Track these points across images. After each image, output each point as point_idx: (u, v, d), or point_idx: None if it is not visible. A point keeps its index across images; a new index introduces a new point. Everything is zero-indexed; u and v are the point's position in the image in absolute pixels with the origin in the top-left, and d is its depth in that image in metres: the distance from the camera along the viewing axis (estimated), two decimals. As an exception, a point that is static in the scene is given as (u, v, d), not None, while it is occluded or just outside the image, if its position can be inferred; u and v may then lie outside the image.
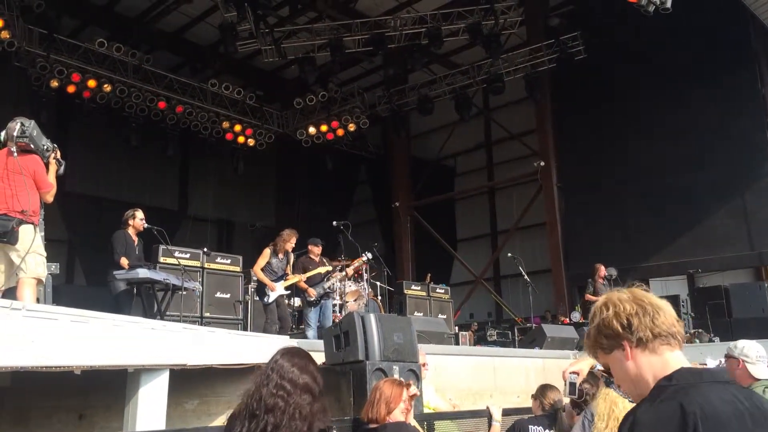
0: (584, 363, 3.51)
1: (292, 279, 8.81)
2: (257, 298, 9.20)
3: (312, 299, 9.04)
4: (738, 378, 4.02)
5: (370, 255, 10.00)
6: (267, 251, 8.72)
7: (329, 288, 9.39)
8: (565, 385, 3.49)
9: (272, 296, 8.52)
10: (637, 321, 1.67)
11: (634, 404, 1.91)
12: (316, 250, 9.42)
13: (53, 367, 2.66)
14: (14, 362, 2.47)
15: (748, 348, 4.01)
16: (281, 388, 2.17)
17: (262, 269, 8.62)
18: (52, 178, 5.41)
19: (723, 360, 4.78)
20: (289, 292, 8.98)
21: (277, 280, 8.65)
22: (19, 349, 2.46)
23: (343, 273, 9.91)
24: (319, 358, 5.65)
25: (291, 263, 8.93)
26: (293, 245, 8.86)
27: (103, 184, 17.01)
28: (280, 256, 8.73)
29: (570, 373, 3.50)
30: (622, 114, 15.32)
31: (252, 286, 9.94)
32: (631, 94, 15.08)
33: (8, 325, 2.48)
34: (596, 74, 15.36)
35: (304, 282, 9.09)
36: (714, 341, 11.35)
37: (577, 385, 3.48)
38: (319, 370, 2.30)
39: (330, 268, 9.44)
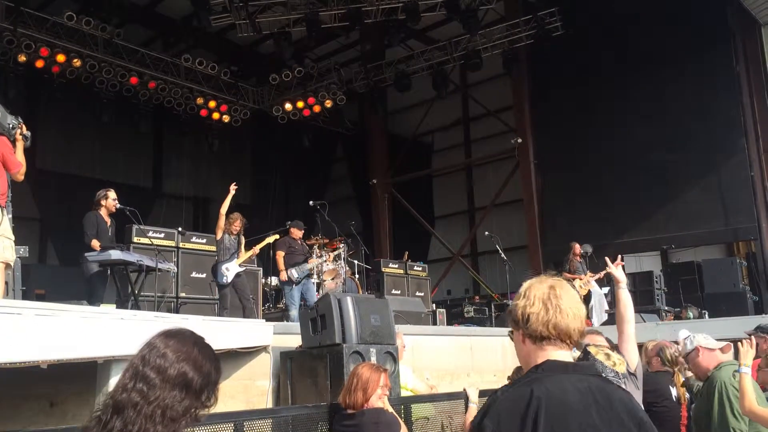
0: None
1: (245, 255, 8.90)
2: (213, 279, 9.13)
3: (295, 277, 9.21)
4: (704, 364, 4.08)
5: (345, 247, 10.29)
6: (220, 231, 8.95)
7: (310, 270, 9.50)
8: None
9: (229, 276, 8.54)
10: (534, 319, 1.88)
11: None
12: (297, 233, 9.64)
13: (18, 363, 2.58)
14: (-25, 360, 2.38)
15: (695, 336, 4.18)
16: (142, 378, 1.60)
17: (218, 242, 8.80)
18: (20, 156, 5.27)
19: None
20: (244, 268, 9.00)
21: (230, 259, 8.70)
22: (-20, 347, 2.38)
23: (323, 259, 10.00)
24: (295, 341, 5.62)
25: (243, 245, 9.03)
26: (238, 228, 8.96)
27: (75, 161, 16.66)
28: (232, 237, 8.83)
29: None
30: (598, 91, 15.32)
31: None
32: (607, 71, 15.07)
33: (-32, 322, 2.39)
34: (573, 51, 15.30)
35: (287, 258, 9.35)
36: (704, 316, 11.52)
37: None
38: (214, 359, 1.72)
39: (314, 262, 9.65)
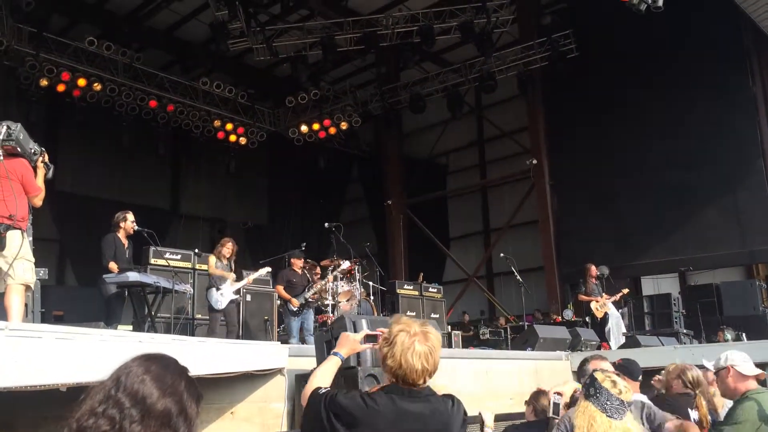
0: (569, 386, 3.61)
1: (238, 284, 8.80)
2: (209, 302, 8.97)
3: (294, 309, 9.24)
4: (732, 385, 4.00)
5: (346, 264, 10.19)
6: (212, 257, 8.75)
7: (310, 298, 9.50)
8: (549, 404, 3.59)
9: (224, 302, 8.48)
10: (389, 368, 2.30)
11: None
12: (298, 263, 9.65)
13: (38, 386, 2.62)
14: (-3, 384, 2.43)
15: (732, 354, 4.04)
16: (114, 404, 1.35)
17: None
18: (40, 182, 5.33)
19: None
20: (238, 296, 8.98)
21: (224, 285, 8.61)
22: (2, 370, 2.42)
23: (325, 281, 9.96)
24: (310, 363, 5.61)
25: (233, 269, 8.93)
26: (230, 251, 8.83)
27: (94, 183, 16.90)
28: (224, 261, 8.73)
29: (555, 393, 3.58)
30: (613, 111, 15.29)
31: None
32: (622, 93, 15.06)
33: (-9, 345, 2.44)
34: (588, 72, 15.34)
35: (285, 292, 9.40)
36: (741, 338, 11.32)
37: (561, 405, 3.57)
38: (197, 396, 1.47)
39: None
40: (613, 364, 4.30)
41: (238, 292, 8.89)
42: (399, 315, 2.61)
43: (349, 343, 2.70)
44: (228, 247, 8.79)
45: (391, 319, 2.51)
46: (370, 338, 2.69)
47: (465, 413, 2.44)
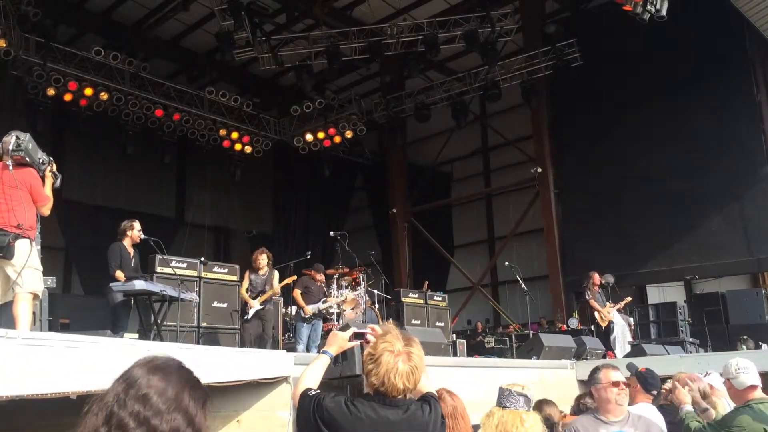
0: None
1: (265, 295, 9.06)
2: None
3: (307, 316, 9.35)
4: (734, 398, 3.99)
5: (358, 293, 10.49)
6: (246, 273, 9.15)
7: (324, 310, 9.59)
8: None
9: (251, 312, 8.81)
10: (370, 382, 2.41)
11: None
12: (317, 276, 9.81)
13: (49, 394, 2.65)
14: (9, 392, 2.46)
15: (730, 366, 4.00)
16: (118, 425, 1.26)
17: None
18: (48, 191, 5.38)
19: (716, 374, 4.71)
20: (263, 306, 9.14)
21: (255, 297, 9.00)
22: (14, 379, 2.45)
23: (342, 298, 10.07)
24: (317, 372, 5.63)
25: (271, 279, 9.21)
26: (265, 260, 9.19)
27: (100, 192, 16.97)
28: (260, 273, 9.04)
29: None
30: (618, 120, 15.34)
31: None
32: (627, 101, 15.10)
33: (3, 354, 2.47)
34: (592, 81, 15.38)
35: (301, 297, 9.63)
36: (761, 347, 11.24)
37: None
38: (203, 401, 1.39)
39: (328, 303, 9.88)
40: (636, 370, 4.24)
41: (266, 301, 9.12)
42: (387, 325, 2.62)
43: (338, 341, 2.74)
44: (263, 258, 9.13)
45: (379, 329, 2.61)
46: (357, 336, 2.72)
47: (442, 415, 2.56)
